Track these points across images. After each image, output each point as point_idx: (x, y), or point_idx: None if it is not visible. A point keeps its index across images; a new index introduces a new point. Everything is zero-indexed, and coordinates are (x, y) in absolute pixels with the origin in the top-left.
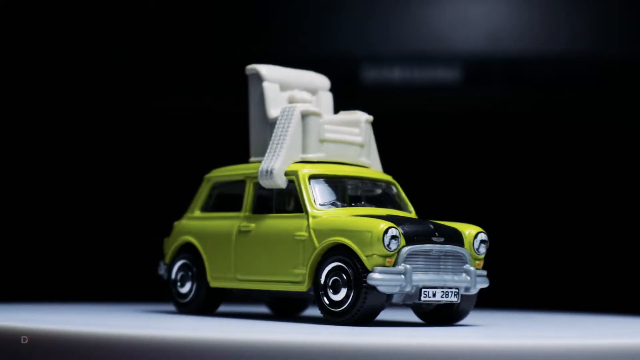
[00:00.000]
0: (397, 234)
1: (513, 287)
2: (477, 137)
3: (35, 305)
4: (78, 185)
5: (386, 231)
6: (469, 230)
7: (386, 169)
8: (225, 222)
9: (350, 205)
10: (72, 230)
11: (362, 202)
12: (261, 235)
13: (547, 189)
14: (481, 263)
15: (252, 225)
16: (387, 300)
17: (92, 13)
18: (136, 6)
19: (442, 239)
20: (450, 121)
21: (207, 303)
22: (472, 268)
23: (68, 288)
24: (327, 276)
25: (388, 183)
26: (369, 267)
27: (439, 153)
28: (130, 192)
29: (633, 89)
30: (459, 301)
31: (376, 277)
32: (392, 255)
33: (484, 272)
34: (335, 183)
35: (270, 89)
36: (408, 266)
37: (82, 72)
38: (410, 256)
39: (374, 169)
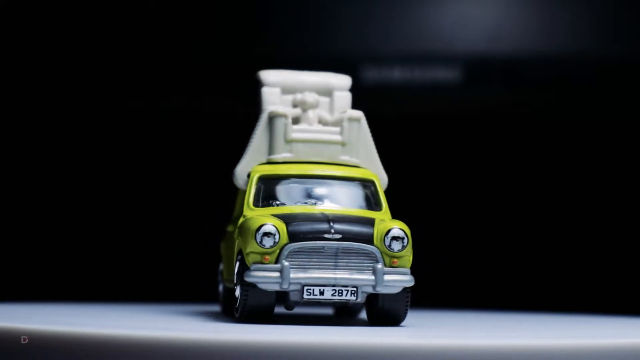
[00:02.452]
0: (273, 231)
1: (521, 288)
2: (477, 137)
3: (36, 306)
4: (80, 185)
5: (258, 228)
6: (382, 227)
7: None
8: (233, 225)
9: (295, 204)
10: (77, 229)
11: (312, 201)
12: (232, 236)
13: (547, 189)
14: (397, 261)
15: (232, 227)
16: (291, 299)
17: (98, 17)
18: (141, 8)
19: (338, 236)
20: (450, 121)
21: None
22: (379, 266)
23: (73, 288)
24: (236, 275)
25: (362, 181)
26: (248, 264)
27: (439, 153)
28: (143, 193)
29: (633, 89)
30: (357, 299)
31: (252, 275)
32: (271, 252)
33: (405, 270)
34: (290, 183)
35: (268, 93)
36: (286, 263)
37: (92, 74)
38: (295, 253)
39: (365, 167)
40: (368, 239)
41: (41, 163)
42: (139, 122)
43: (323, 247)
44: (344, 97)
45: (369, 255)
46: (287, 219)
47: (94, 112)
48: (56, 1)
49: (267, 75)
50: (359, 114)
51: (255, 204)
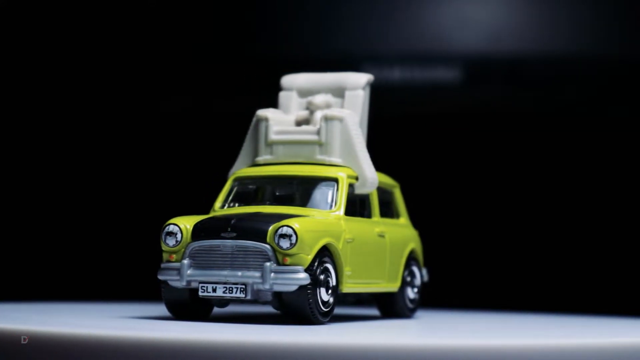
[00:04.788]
0: (175, 231)
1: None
2: (477, 137)
3: (36, 306)
4: (79, 185)
5: (163, 228)
6: (277, 225)
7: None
8: None
9: (251, 205)
10: (75, 229)
11: (268, 201)
12: None
13: (547, 189)
14: (288, 259)
15: None
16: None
17: (98, 17)
18: (141, 8)
19: (233, 234)
20: (450, 121)
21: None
22: (267, 264)
23: (70, 288)
24: None
25: (325, 179)
26: (163, 262)
27: (439, 153)
28: (143, 194)
29: (633, 89)
30: (247, 297)
31: (160, 272)
32: (176, 251)
33: (297, 269)
34: (261, 184)
35: (284, 97)
36: (185, 262)
37: (87, 74)
38: (197, 252)
39: (347, 166)
40: (262, 237)
41: (40, 164)
42: (139, 122)
43: (219, 246)
44: (355, 97)
45: (261, 253)
46: (213, 218)
47: (92, 113)
48: (56, 1)
49: (285, 80)
50: (338, 113)
51: (222, 206)
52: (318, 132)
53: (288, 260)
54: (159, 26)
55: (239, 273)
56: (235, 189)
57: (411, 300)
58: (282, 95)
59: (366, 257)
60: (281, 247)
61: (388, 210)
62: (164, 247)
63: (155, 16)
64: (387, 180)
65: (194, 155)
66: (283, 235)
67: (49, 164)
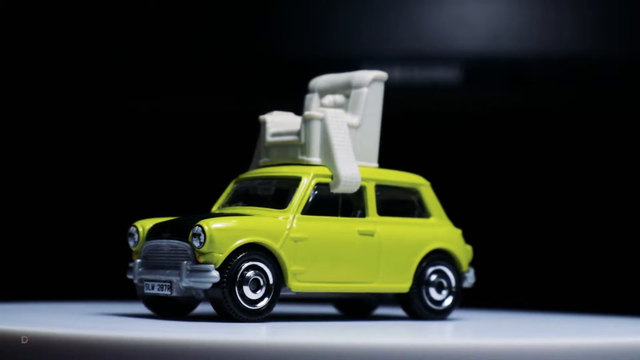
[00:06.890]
0: (132, 232)
1: (517, 287)
2: (477, 137)
3: (36, 306)
4: (74, 185)
5: (128, 229)
6: (194, 224)
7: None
8: None
9: (235, 206)
10: (72, 229)
11: (240, 203)
12: None
13: (546, 189)
14: (201, 257)
15: None
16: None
17: (96, 16)
18: (138, 6)
19: (168, 234)
20: (450, 121)
21: None
22: (184, 262)
23: (70, 288)
24: None
25: (290, 179)
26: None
27: (439, 153)
28: (143, 194)
29: (633, 89)
30: (173, 294)
31: (128, 271)
32: (136, 250)
33: (208, 267)
34: (251, 185)
35: (307, 100)
36: (138, 261)
37: (77, 73)
38: (148, 252)
39: (326, 165)
40: (185, 237)
41: (46, 164)
42: (139, 123)
43: (160, 246)
44: (358, 94)
45: (184, 252)
46: (175, 220)
47: (91, 113)
48: (53, 2)
49: (311, 82)
50: (317, 113)
51: (218, 208)
52: (298, 133)
53: (201, 258)
54: (158, 26)
55: (167, 271)
56: (233, 191)
57: (436, 302)
58: (307, 97)
59: (331, 256)
60: (195, 246)
61: (412, 209)
62: (130, 247)
63: (154, 16)
64: (410, 179)
65: (193, 156)
66: (195, 235)
67: (49, 165)
